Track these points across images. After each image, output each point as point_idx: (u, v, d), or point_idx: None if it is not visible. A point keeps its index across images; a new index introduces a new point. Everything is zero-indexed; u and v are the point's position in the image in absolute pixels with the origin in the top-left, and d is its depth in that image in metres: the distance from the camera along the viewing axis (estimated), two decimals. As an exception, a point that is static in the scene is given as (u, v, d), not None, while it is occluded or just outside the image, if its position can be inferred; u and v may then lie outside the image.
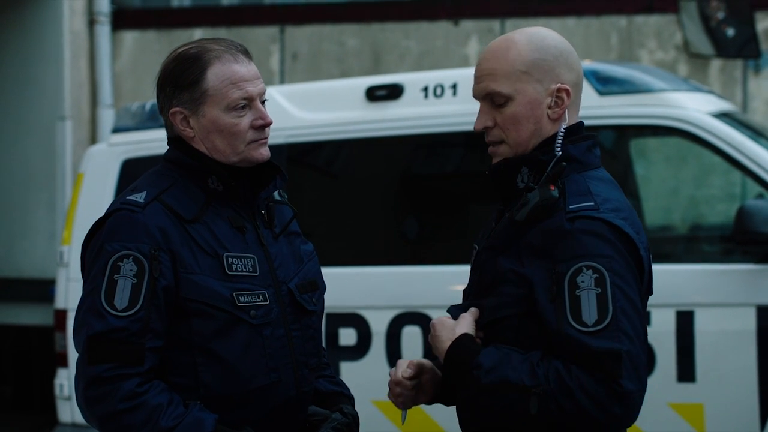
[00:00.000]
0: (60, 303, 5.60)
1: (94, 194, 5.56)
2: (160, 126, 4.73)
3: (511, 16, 8.90)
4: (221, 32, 8.98)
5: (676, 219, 7.85)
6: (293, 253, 2.90)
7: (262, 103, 2.82)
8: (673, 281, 4.77)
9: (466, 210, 5.56)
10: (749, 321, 4.75)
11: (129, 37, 9.38)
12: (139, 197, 2.74)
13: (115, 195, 5.42)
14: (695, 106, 5.13)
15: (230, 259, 2.74)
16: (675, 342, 4.82)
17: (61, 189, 8.61)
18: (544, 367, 2.51)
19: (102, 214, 2.78)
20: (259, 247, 2.81)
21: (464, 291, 2.84)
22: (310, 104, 5.50)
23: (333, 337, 5.16)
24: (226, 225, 2.78)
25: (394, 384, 2.78)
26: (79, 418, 5.33)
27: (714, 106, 5.32)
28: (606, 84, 5.14)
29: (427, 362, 2.81)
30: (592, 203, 2.59)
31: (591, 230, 2.56)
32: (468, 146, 5.41)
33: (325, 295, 2.97)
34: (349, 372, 5.05)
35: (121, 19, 9.31)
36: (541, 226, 2.59)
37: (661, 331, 4.73)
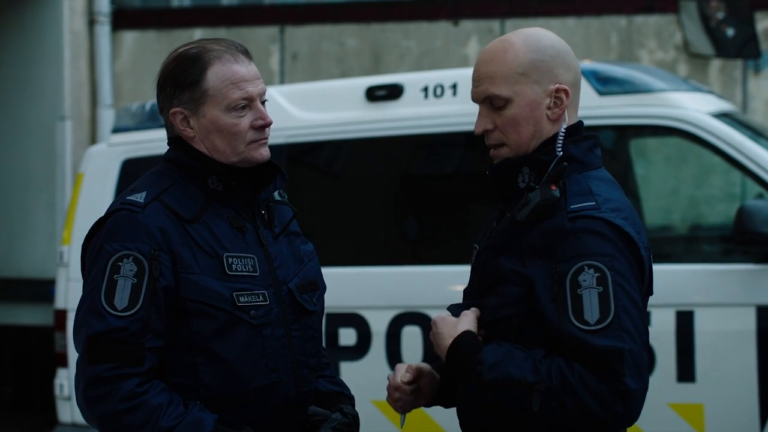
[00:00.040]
0: (60, 303, 5.60)
1: (94, 194, 5.56)
2: (160, 126, 4.74)
3: (511, 16, 8.90)
4: (221, 32, 8.98)
5: (676, 219, 7.85)
6: (293, 253, 2.90)
7: (263, 103, 2.82)
8: (673, 281, 4.77)
9: (466, 210, 5.56)
10: (749, 321, 4.75)
11: (129, 37, 9.38)
12: (139, 197, 2.74)
13: (115, 195, 5.42)
14: (695, 106, 5.13)
15: (230, 259, 2.74)
16: (675, 342, 4.82)
17: (61, 189, 8.61)
18: (547, 364, 2.52)
19: (102, 214, 2.78)
20: (259, 247, 2.81)
21: (464, 291, 2.84)
22: (310, 104, 5.50)
23: (333, 337, 5.16)
24: (226, 225, 2.78)
25: (393, 389, 2.78)
26: (79, 418, 5.33)
27: (714, 106, 5.32)
28: (606, 84, 5.14)
29: (425, 366, 2.82)
30: (593, 203, 2.60)
31: (592, 229, 2.56)
32: (468, 146, 5.42)
33: (325, 295, 2.97)
34: (349, 372, 5.05)
35: (121, 19, 9.31)
36: (543, 225, 2.59)
37: (661, 331, 4.73)
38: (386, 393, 2.82)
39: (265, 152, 2.81)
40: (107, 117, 8.83)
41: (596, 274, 2.53)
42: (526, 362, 2.54)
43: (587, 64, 5.30)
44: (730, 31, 8.34)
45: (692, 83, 5.89)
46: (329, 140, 5.49)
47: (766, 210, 4.76)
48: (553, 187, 2.59)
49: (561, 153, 2.64)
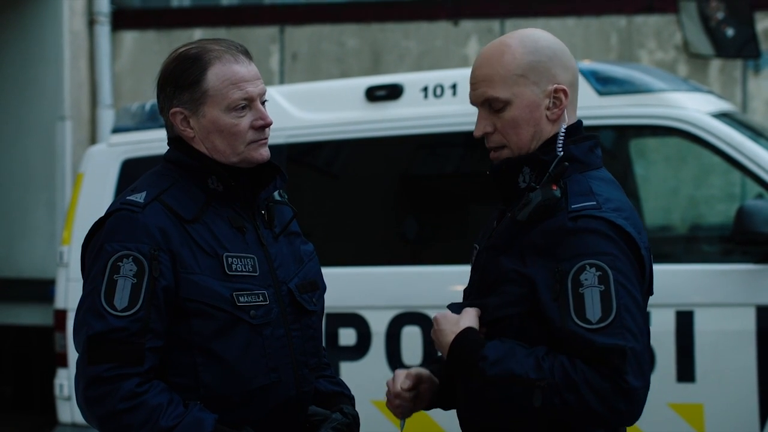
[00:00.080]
0: (60, 303, 5.60)
1: (94, 194, 5.56)
2: (160, 126, 4.74)
3: (511, 16, 8.90)
4: (221, 32, 8.98)
5: (676, 219, 7.85)
6: (293, 253, 2.90)
7: (263, 103, 2.82)
8: (672, 281, 4.77)
9: (466, 210, 5.56)
10: (749, 321, 4.75)
11: (129, 37, 9.38)
12: (139, 197, 2.74)
13: (115, 195, 5.42)
14: (695, 106, 5.13)
15: (230, 259, 2.74)
16: (675, 342, 4.82)
17: (61, 189, 8.61)
18: (550, 361, 2.52)
19: (102, 214, 2.78)
20: (259, 247, 2.81)
21: (464, 291, 2.85)
22: (310, 104, 5.50)
23: (333, 337, 5.16)
24: (226, 225, 2.78)
25: (393, 396, 2.79)
26: (79, 418, 5.33)
27: (714, 106, 5.32)
28: (606, 84, 5.14)
29: (424, 371, 2.82)
30: (594, 203, 2.60)
31: (593, 229, 2.57)
32: (468, 146, 5.41)
33: (325, 295, 2.97)
34: (349, 372, 5.05)
35: (121, 19, 9.31)
36: (543, 225, 2.60)
37: (660, 331, 4.73)
38: (386, 394, 2.82)
39: (265, 152, 2.82)
40: (107, 117, 8.83)
41: (598, 273, 2.53)
42: (528, 359, 2.54)
43: (587, 64, 5.30)
44: (729, 31, 8.34)
45: (692, 83, 5.89)
46: (329, 140, 5.49)
47: (765, 210, 4.77)
48: (554, 187, 2.60)
49: (562, 153, 2.65)
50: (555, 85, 2.67)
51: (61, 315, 5.57)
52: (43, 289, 7.79)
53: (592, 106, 4.95)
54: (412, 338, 5.11)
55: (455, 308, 2.74)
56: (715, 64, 8.66)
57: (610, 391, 2.48)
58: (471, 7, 9.03)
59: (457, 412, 2.81)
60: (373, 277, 5.27)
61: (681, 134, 5.08)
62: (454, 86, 5.28)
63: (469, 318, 2.66)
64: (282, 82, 9.06)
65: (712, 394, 4.80)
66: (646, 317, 2.61)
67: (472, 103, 2.72)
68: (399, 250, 5.47)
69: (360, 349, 5.18)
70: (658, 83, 5.22)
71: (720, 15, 8.38)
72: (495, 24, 8.94)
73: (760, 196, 5.30)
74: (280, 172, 2.86)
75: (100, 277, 2.67)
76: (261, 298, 2.75)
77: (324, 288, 2.96)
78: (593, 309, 2.52)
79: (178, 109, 2.79)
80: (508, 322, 2.62)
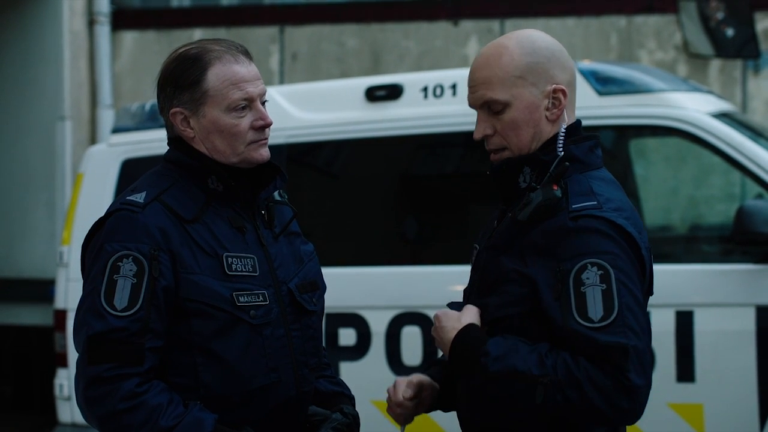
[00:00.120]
0: (60, 303, 5.60)
1: (93, 194, 5.56)
2: (160, 126, 4.74)
3: (511, 16, 8.90)
4: (221, 32, 8.98)
5: (676, 219, 7.85)
6: (293, 253, 2.90)
7: (263, 103, 2.82)
8: (672, 281, 4.77)
9: (466, 210, 5.56)
10: (749, 321, 4.75)
11: (129, 37, 9.38)
12: (139, 197, 2.74)
13: (115, 195, 5.42)
14: (695, 107, 5.14)
15: (230, 259, 2.74)
16: (674, 342, 4.82)
17: (61, 189, 8.61)
18: (552, 357, 2.52)
19: (102, 214, 2.78)
20: (259, 247, 2.81)
21: (465, 291, 2.85)
22: (310, 104, 5.50)
23: (333, 337, 5.16)
24: (226, 225, 2.78)
25: (395, 405, 2.79)
26: (79, 418, 5.33)
27: (713, 106, 5.32)
28: (605, 84, 5.14)
29: (425, 378, 2.82)
30: (595, 203, 2.61)
31: (594, 228, 2.57)
32: (468, 146, 5.41)
33: (325, 295, 2.97)
34: (349, 372, 5.05)
35: (121, 20, 9.31)
36: (544, 225, 2.60)
37: (660, 331, 4.72)
38: (386, 393, 2.82)
39: (265, 153, 2.82)
40: (107, 117, 8.83)
41: (599, 272, 2.54)
42: (531, 355, 2.54)
43: (587, 64, 5.30)
44: (729, 31, 8.34)
45: (692, 83, 5.89)
46: (329, 140, 5.49)
47: (765, 210, 4.77)
48: (555, 187, 2.60)
49: (562, 153, 2.65)
50: (553, 86, 2.67)
51: (61, 315, 5.57)
52: (43, 289, 7.79)
53: (592, 106, 4.95)
54: (412, 338, 5.11)
55: (455, 308, 2.74)
56: (715, 64, 8.66)
57: (612, 388, 2.49)
58: (471, 7, 9.03)
59: (457, 412, 2.81)
60: (373, 277, 5.27)
61: (681, 134, 5.08)
62: (454, 86, 5.28)
63: (471, 315, 2.66)
64: (282, 82, 9.06)
65: (712, 394, 4.80)
66: (647, 316, 2.61)
67: (471, 105, 2.72)
68: (399, 250, 5.47)
69: (360, 349, 5.18)
70: (657, 83, 5.22)
71: (720, 15, 8.39)
72: (495, 24, 8.94)
73: (760, 196, 5.30)
74: (280, 172, 2.86)
75: (100, 277, 2.67)
76: (261, 298, 2.75)
77: (324, 288, 2.96)
78: (595, 308, 2.52)
79: (178, 109, 2.79)
80: (508, 322, 2.62)
